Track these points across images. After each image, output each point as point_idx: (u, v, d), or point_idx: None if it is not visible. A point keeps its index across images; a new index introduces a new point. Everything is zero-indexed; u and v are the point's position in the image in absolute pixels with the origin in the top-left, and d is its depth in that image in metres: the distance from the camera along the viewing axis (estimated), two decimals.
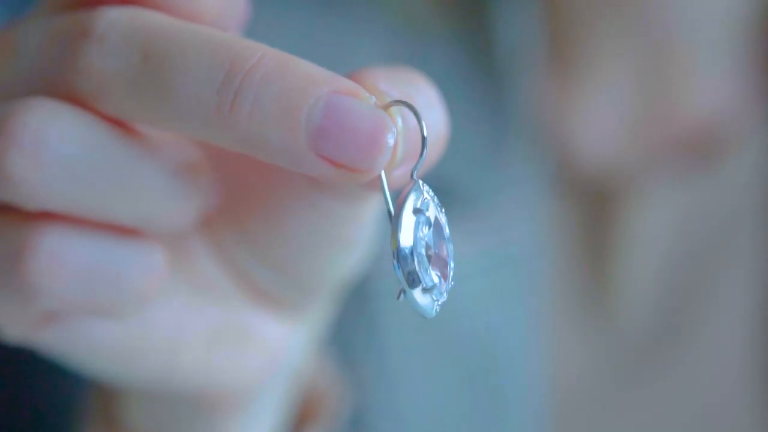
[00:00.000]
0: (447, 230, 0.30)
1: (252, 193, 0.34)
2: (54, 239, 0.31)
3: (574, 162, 0.61)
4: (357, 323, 0.58)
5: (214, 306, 0.35)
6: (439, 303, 0.30)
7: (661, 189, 0.61)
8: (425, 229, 0.29)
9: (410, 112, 0.29)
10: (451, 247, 0.30)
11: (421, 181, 0.29)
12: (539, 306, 0.60)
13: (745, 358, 0.60)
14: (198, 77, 0.28)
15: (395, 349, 0.58)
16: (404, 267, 0.29)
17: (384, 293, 0.58)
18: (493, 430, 0.59)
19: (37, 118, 0.30)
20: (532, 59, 0.60)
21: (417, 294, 0.29)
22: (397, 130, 0.28)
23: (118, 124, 0.31)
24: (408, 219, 0.29)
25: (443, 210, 0.30)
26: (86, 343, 0.33)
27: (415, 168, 0.29)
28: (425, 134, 0.29)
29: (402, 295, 0.29)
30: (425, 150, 0.29)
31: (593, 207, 0.61)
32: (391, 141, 0.28)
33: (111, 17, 0.30)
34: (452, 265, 0.30)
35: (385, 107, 0.29)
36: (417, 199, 0.29)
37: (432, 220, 0.29)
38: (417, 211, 0.29)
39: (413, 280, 0.29)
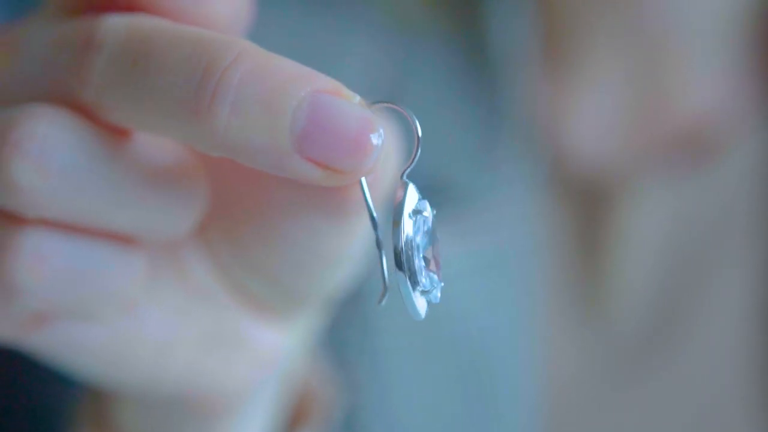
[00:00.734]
0: (437, 233, 0.30)
1: (243, 206, 0.33)
2: (38, 239, 0.30)
3: (568, 161, 0.61)
4: (350, 324, 0.58)
5: (205, 311, 0.35)
6: (433, 303, 0.30)
7: (655, 188, 0.61)
8: (423, 233, 0.29)
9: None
10: (441, 249, 0.30)
11: (412, 183, 0.29)
12: (532, 306, 0.60)
13: (739, 357, 0.60)
14: (177, 78, 0.28)
15: (388, 350, 0.58)
16: (405, 271, 0.28)
17: (378, 295, 0.58)
18: (486, 430, 0.59)
19: (43, 126, 0.29)
20: (526, 58, 0.60)
21: (416, 296, 0.29)
22: (382, 130, 0.28)
23: (118, 133, 0.31)
24: (408, 221, 0.28)
25: (434, 211, 0.30)
26: (75, 345, 0.33)
27: (406, 169, 0.29)
28: (419, 134, 0.28)
29: (383, 299, 0.29)
30: (418, 151, 0.29)
31: (587, 206, 0.61)
32: (377, 141, 0.27)
33: (110, 25, 0.29)
34: (442, 264, 0.30)
35: (370, 106, 0.28)
36: (413, 200, 0.29)
37: (430, 224, 0.29)
38: (416, 212, 0.29)
39: (414, 282, 0.29)
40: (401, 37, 0.60)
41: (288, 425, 0.44)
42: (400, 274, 0.28)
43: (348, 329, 0.58)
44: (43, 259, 0.30)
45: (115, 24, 0.29)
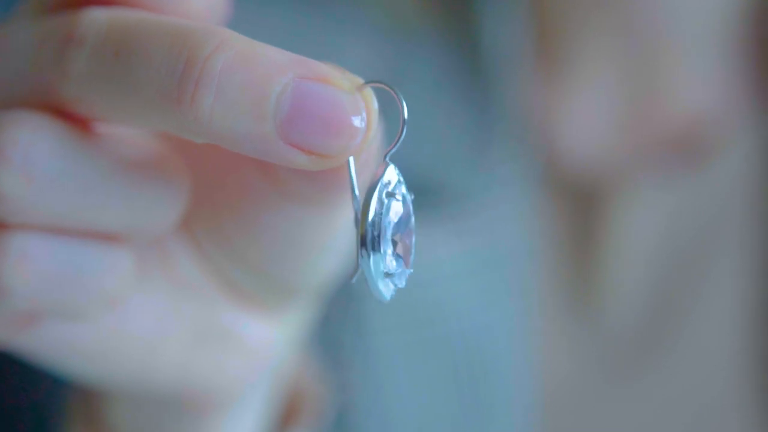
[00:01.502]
0: (413, 219, 0.30)
1: (226, 197, 0.33)
2: (23, 241, 0.30)
3: (562, 161, 0.61)
4: (344, 324, 0.58)
5: (194, 307, 0.35)
6: (396, 288, 0.29)
7: (648, 188, 0.61)
8: (394, 214, 0.29)
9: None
10: (414, 236, 0.30)
11: (393, 165, 0.29)
12: (526, 306, 0.60)
13: (731, 357, 0.60)
14: (160, 68, 0.28)
15: (382, 350, 0.58)
16: (369, 249, 0.28)
17: (370, 294, 0.58)
18: (480, 430, 0.59)
19: (26, 133, 0.29)
20: (519, 59, 0.60)
21: (379, 278, 0.29)
22: (370, 111, 0.28)
23: (99, 132, 0.31)
24: (377, 202, 0.28)
25: (412, 198, 0.30)
26: (63, 345, 0.33)
27: (389, 151, 0.29)
28: (406, 116, 0.28)
29: (355, 277, 0.29)
30: (403, 133, 0.29)
31: (580, 206, 0.61)
32: (360, 124, 0.27)
33: (91, 19, 0.30)
34: (413, 252, 0.30)
35: (360, 89, 0.28)
36: (389, 183, 0.29)
37: (401, 206, 0.29)
38: (389, 195, 0.29)
39: (377, 264, 0.29)
40: (395, 39, 0.60)
41: (280, 424, 0.44)
42: (364, 251, 0.28)
43: (341, 329, 0.58)
44: (30, 260, 0.30)
45: (96, 18, 0.29)
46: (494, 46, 0.60)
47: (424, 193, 0.59)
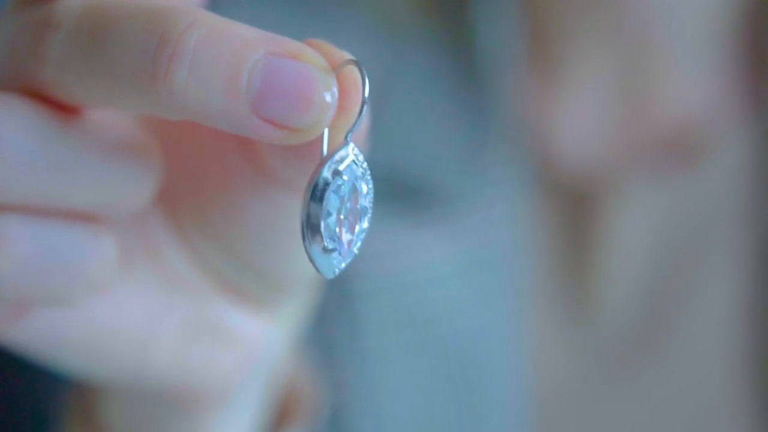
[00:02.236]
0: (367, 203, 0.30)
1: (210, 188, 0.34)
2: (4, 224, 0.31)
3: (555, 163, 0.62)
4: (338, 325, 0.58)
5: (185, 301, 0.35)
6: (340, 268, 0.30)
7: (641, 189, 0.61)
8: (337, 192, 0.29)
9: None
10: (365, 222, 0.30)
11: (353, 145, 0.29)
12: (520, 307, 0.60)
13: (726, 356, 0.60)
14: (134, 47, 0.28)
15: (376, 351, 0.58)
16: (310, 223, 0.29)
17: (365, 295, 0.58)
18: (474, 430, 0.59)
19: None
20: (513, 60, 0.60)
21: (317, 252, 0.29)
22: (343, 89, 0.28)
23: (72, 112, 0.31)
24: (325, 177, 0.29)
25: (370, 183, 0.30)
26: (55, 337, 0.33)
27: (350, 130, 0.29)
28: (366, 96, 0.29)
29: (302, 246, 0.29)
30: (363, 113, 0.29)
31: (574, 207, 0.62)
32: (329, 99, 0.28)
33: (67, 4, 0.30)
34: (362, 237, 0.30)
35: (334, 65, 0.29)
36: (341, 161, 0.29)
37: (350, 186, 0.29)
38: (336, 173, 0.29)
39: (315, 238, 0.29)
40: (388, 39, 0.61)
41: (274, 424, 0.44)
42: (303, 224, 0.29)
43: (336, 329, 0.58)
44: (11, 243, 0.30)
45: (71, 3, 0.30)
46: (488, 48, 0.60)
47: (418, 194, 0.59)
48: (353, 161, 0.29)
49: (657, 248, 0.61)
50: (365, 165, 0.30)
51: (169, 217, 0.35)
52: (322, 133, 0.29)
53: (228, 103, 0.28)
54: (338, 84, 0.28)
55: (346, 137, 0.29)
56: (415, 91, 0.60)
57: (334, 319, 0.58)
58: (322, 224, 0.29)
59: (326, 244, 0.29)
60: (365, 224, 0.30)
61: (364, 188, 0.30)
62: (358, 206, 0.30)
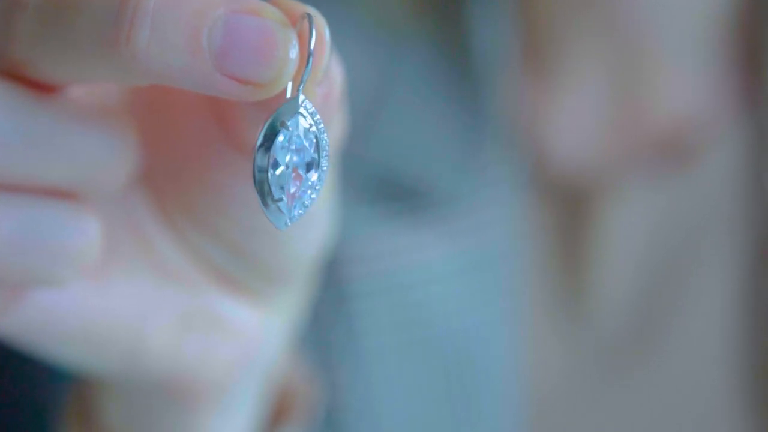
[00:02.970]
0: (318, 155, 0.30)
1: (197, 175, 0.34)
2: None
3: (550, 163, 0.62)
4: (334, 325, 0.58)
5: (179, 291, 0.36)
6: (290, 220, 0.30)
7: (636, 189, 0.61)
8: (282, 142, 0.29)
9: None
10: (315, 174, 0.30)
11: (303, 97, 0.30)
12: (516, 306, 0.60)
13: (721, 355, 0.60)
14: (96, 15, 0.29)
15: (372, 351, 0.58)
16: (257, 173, 0.29)
17: (362, 295, 0.58)
18: (470, 430, 0.59)
19: None
20: (508, 61, 0.61)
21: (267, 202, 0.30)
22: (303, 43, 0.29)
23: (45, 89, 0.32)
24: (270, 128, 0.29)
25: (324, 136, 0.30)
26: (49, 327, 0.33)
27: (301, 82, 0.29)
28: (311, 48, 0.29)
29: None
30: (308, 66, 0.29)
31: (569, 208, 0.62)
32: (290, 52, 0.28)
33: None
34: (315, 189, 0.30)
35: (294, 21, 0.29)
36: (287, 113, 0.29)
37: (296, 137, 0.30)
38: (282, 125, 0.29)
39: (262, 190, 0.30)
40: (385, 42, 0.61)
41: (270, 423, 0.44)
42: (252, 175, 0.30)
43: (332, 330, 0.58)
44: None
45: None
46: (484, 49, 0.60)
47: (415, 195, 0.59)
48: (300, 114, 0.30)
49: (652, 248, 0.62)
50: (317, 118, 0.30)
51: (156, 207, 0.35)
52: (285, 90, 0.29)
53: (191, 62, 0.28)
54: (299, 38, 0.29)
55: (298, 88, 0.29)
56: (412, 92, 0.60)
57: (330, 319, 0.58)
58: (269, 174, 0.29)
59: (274, 194, 0.30)
60: (314, 177, 0.30)
61: (315, 141, 0.30)
62: (307, 158, 0.30)
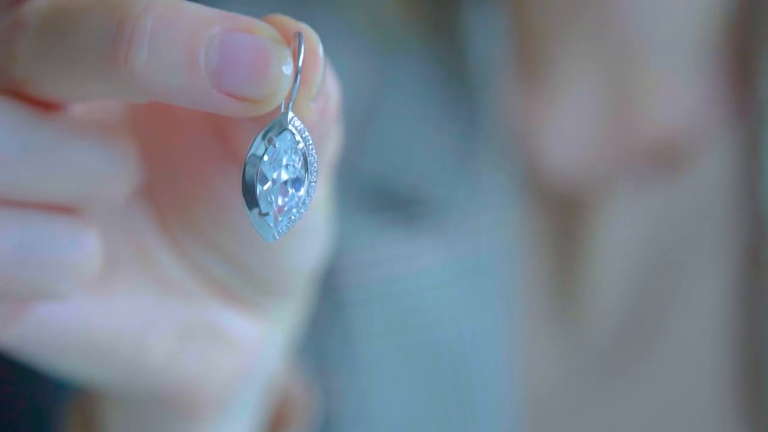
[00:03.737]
0: (304, 172, 0.31)
1: (192, 185, 0.34)
2: None
3: (543, 171, 0.62)
4: (330, 333, 0.58)
5: (180, 304, 0.36)
6: (278, 234, 0.31)
7: (628, 196, 0.61)
8: (270, 157, 0.30)
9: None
10: (302, 190, 0.31)
11: (291, 115, 0.30)
12: (511, 312, 0.60)
13: (712, 358, 0.60)
14: (95, 35, 0.29)
15: (368, 358, 0.58)
16: (246, 188, 0.30)
17: (357, 302, 0.59)
18: None
19: None
20: (502, 70, 0.61)
21: (255, 216, 0.30)
22: (311, 57, 0.29)
23: (48, 107, 0.32)
24: (259, 145, 0.30)
25: (313, 152, 0.31)
26: (52, 339, 0.34)
27: (289, 99, 0.30)
28: (300, 65, 0.30)
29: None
30: (296, 83, 0.30)
31: (562, 215, 0.62)
32: (285, 69, 0.29)
33: (34, 4, 0.31)
34: (302, 205, 0.31)
35: (288, 38, 0.30)
36: (276, 129, 0.30)
37: (282, 154, 0.30)
38: (269, 141, 0.30)
39: (251, 202, 0.30)
40: (381, 51, 0.61)
41: (269, 431, 0.45)
42: (243, 189, 0.30)
43: (328, 337, 0.58)
44: None
45: (39, 2, 0.31)
46: (478, 58, 0.60)
47: (410, 204, 0.60)
48: (289, 131, 0.30)
49: (644, 254, 0.62)
50: (306, 135, 0.30)
51: (157, 220, 0.35)
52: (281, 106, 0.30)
53: (189, 80, 0.29)
54: (292, 55, 0.29)
55: (288, 107, 0.30)
56: (407, 101, 0.61)
57: (327, 326, 0.58)
58: (257, 189, 0.30)
59: (262, 209, 0.30)
60: (301, 192, 0.31)
61: (302, 158, 0.31)
62: (294, 174, 0.31)
